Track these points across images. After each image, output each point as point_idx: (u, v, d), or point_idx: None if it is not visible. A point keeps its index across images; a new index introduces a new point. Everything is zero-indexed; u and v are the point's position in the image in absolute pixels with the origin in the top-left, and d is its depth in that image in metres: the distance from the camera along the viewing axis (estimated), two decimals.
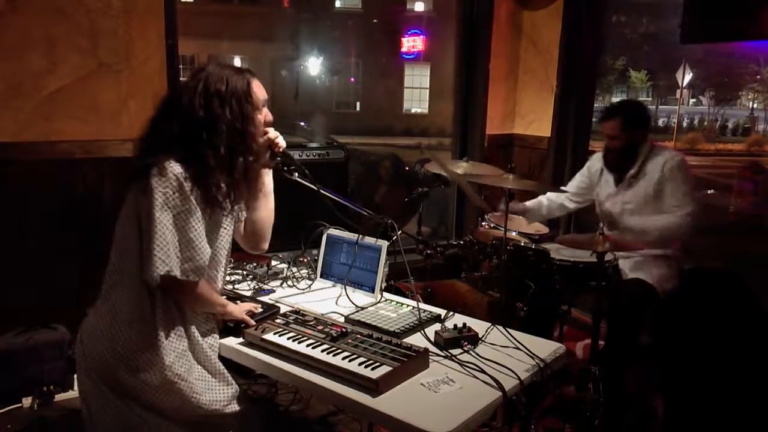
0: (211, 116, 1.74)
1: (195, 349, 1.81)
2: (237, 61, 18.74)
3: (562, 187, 3.51)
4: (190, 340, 1.80)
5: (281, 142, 2.04)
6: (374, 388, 1.57)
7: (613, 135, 3.02)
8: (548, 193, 3.49)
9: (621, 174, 3.12)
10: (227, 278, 2.41)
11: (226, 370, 1.87)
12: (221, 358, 1.89)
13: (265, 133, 1.96)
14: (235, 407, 1.87)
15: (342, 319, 2.04)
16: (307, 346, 1.78)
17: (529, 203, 3.44)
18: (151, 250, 1.65)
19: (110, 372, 1.72)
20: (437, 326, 1.98)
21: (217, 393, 1.83)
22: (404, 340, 1.85)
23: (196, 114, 1.73)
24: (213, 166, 1.73)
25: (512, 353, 1.84)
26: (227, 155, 1.75)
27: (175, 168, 1.68)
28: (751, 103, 24.42)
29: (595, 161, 3.34)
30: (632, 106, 3.19)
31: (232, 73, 1.80)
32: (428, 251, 3.20)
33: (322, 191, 2.29)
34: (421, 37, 18.61)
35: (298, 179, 2.33)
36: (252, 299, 2.16)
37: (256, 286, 2.36)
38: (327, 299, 2.27)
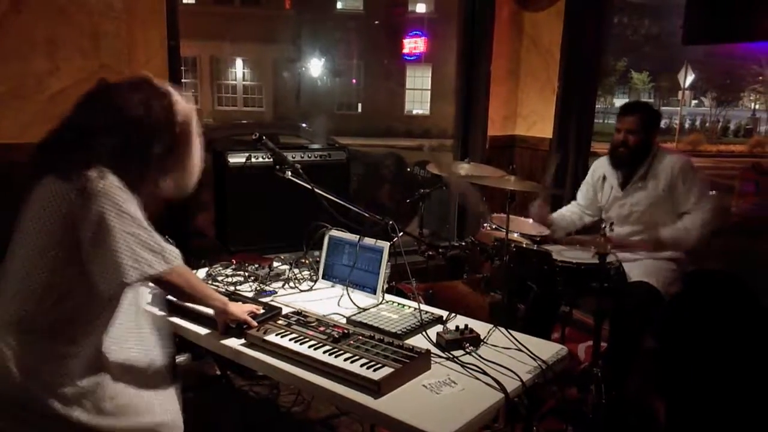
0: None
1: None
2: (239, 63, 18.81)
3: (574, 201, 3.55)
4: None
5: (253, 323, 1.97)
6: (376, 389, 1.57)
7: (632, 129, 3.05)
8: (566, 206, 3.53)
9: (628, 174, 3.14)
10: (229, 280, 2.42)
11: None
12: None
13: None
14: None
15: (344, 321, 2.04)
16: (309, 347, 1.78)
17: (553, 215, 3.45)
18: (117, 257, 1.58)
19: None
20: (439, 328, 1.98)
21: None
22: (406, 341, 1.84)
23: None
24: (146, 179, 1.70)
25: (514, 355, 1.83)
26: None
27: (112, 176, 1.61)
28: (753, 104, 24.39)
29: (597, 168, 3.35)
30: (650, 106, 3.29)
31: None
32: (430, 252, 3.20)
33: (317, 191, 2.30)
34: (423, 38, 18.62)
35: (291, 178, 2.34)
36: (254, 300, 2.16)
37: (258, 288, 2.36)
38: (329, 300, 2.27)
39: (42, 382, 1.58)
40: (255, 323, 1.94)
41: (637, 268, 3.04)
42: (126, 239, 1.59)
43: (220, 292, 2.22)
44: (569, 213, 3.50)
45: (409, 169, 6.32)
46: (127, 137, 1.65)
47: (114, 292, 1.65)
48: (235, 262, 2.58)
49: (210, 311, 1.94)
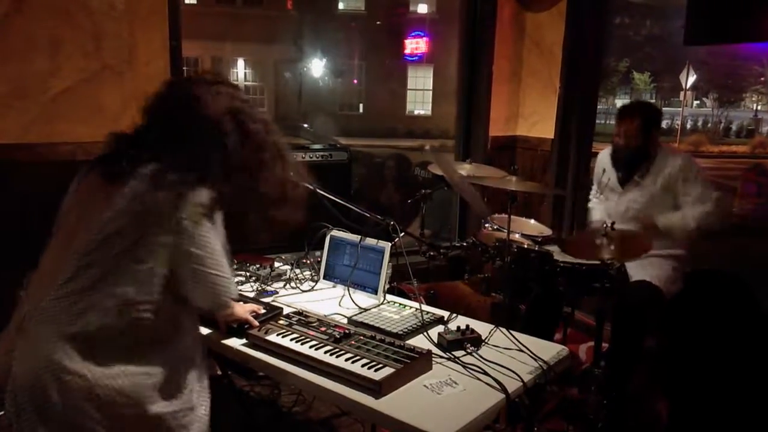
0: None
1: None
2: (240, 63, 18.82)
3: (592, 197, 3.54)
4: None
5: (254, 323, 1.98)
6: (377, 389, 1.57)
7: (630, 134, 3.03)
8: (595, 210, 3.49)
9: (628, 173, 3.13)
10: None
11: None
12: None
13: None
14: None
15: (345, 321, 2.04)
16: (310, 347, 1.78)
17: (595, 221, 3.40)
18: (214, 275, 1.60)
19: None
20: (440, 328, 1.98)
21: None
22: (407, 341, 1.84)
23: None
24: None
25: (515, 355, 1.83)
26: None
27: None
28: (755, 104, 24.34)
29: (601, 159, 3.34)
30: (650, 107, 3.22)
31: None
32: (431, 253, 3.20)
33: (318, 192, 2.30)
34: (425, 38, 18.60)
35: None
36: (255, 300, 2.16)
37: (259, 288, 2.36)
38: (330, 300, 2.28)
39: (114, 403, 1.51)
40: (257, 323, 1.94)
41: (639, 267, 3.04)
42: (225, 260, 1.65)
43: None
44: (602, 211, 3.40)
45: (414, 170, 6.34)
46: (230, 153, 1.62)
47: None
48: (236, 262, 2.58)
49: None
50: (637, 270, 3.03)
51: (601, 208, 3.40)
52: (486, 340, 1.92)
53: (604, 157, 3.31)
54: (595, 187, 3.50)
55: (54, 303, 1.52)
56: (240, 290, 2.32)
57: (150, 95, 1.68)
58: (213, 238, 1.60)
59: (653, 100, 24.77)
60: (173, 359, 1.63)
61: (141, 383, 1.53)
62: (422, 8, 19.35)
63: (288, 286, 2.42)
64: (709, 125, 23.56)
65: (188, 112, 1.62)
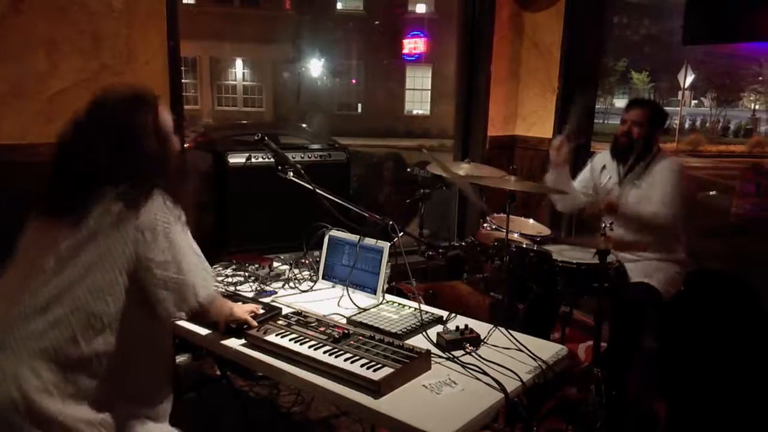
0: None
1: None
2: (239, 63, 18.82)
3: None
4: None
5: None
6: (376, 389, 1.57)
7: (638, 122, 3.05)
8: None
9: (627, 170, 3.13)
10: (230, 280, 2.42)
11: None
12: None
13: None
14: None
15: (344, 321, 2.04)
16: (309, 347, 1.78)
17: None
18: (185, 277, 1.60)
19: None
20: (439, 328, 1.98)
21: None
22: (406, 341, 1.84)
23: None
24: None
25: (514, 355, 1.84)
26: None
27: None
28: (753, 104, 24.37)
29: (598, 160, 3.34)
30: (659, 105, 3.31)
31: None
32: (430, 253, 3.20)
33: (318, 192, 2.30)
34: (423, 38, 18.62)
35: (293, 179, 2.34)
36: (254, 300, 2.16)
37: (258, 288, 2.36)
38: (329, 301, 2.27)
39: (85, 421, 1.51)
40: (255, 323, 1.94)
41: (638, 269, 3.04)
42: (194, 260, 1.64)
43: (220, 293, 2.23)
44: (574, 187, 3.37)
45: (409, 170, 6.33)
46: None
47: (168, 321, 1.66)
48: (235, 262, 2.58)
49: None
50: (637, 273, 3.04)
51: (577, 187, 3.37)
52: (485, 340, 1.92)
53: (602, 157, 3.31)
54: (578, 183, 3.40)
55: (20, 322, 1.50)
56: (239, 290, 2.33)
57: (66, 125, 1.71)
58: (174, 242, 1.59)
59: (651, 99, 24.80)
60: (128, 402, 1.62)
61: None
62: (421, 8, 19.37)
63: (287, 286, 2.42)
64: (708, 125, 23.60)
65: (110, 135, 1.64)
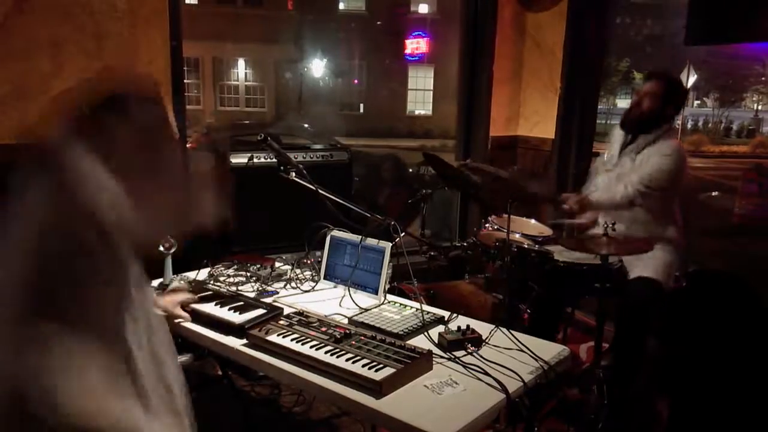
0: None
1: None
2: (241, 63, 18.85)
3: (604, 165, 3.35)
4: None
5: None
6: (378, 389, 1.57)
7: (651, 93, 2.98)
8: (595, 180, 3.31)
9: (630, 141, 3.08)
10: (231, 280, 2.43)
11: None
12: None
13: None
14: None
15: (345, 321, 2.04)
16: (311, 347, 1.78)
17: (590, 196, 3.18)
18: None
19: None
20: (441, 328, 1.98)
21: None
22: (408, 341, 1.85)
23: None
24: None
25: (516, 355, 1.83)
26: None
27: None
28: (755, 104, 24.32)
29: (614, 131, 3.27)
30: (677, 79, 3.17)
31: None
32: (432, 253, 3.20)
33: (320, 192, 2.30)
34: (425, 38, 18.62)
35: (296, 179, 2.34)
36: (255, 300, 2.17)
37: (260, 288, 2.36)
38: (330, 301, 2.27)
39: None
40: (186, 315, 2.00)
41: (637, 263, 3.00)
42: None
43: (221, 293, 2.23)
44: (603, 184, 3.20)
45: (411, 170, 6.34)
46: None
47: None
48: (237, 263, 2.58)
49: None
50: (634, 263, 2.98)
51: (605, 181, 3.22)
52: (486, 340, 1.92)
53: (615, 131, 3.25)
54: (604, 157, 3.32)
55: None
56: (240, 291, 2.32)
57: None
58: None
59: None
60: None
61: None
62: (423, 8, 19.38)
63: (288, 286, 2.42)
64: (710, 125, 23.54)
65: None
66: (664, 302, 2.96)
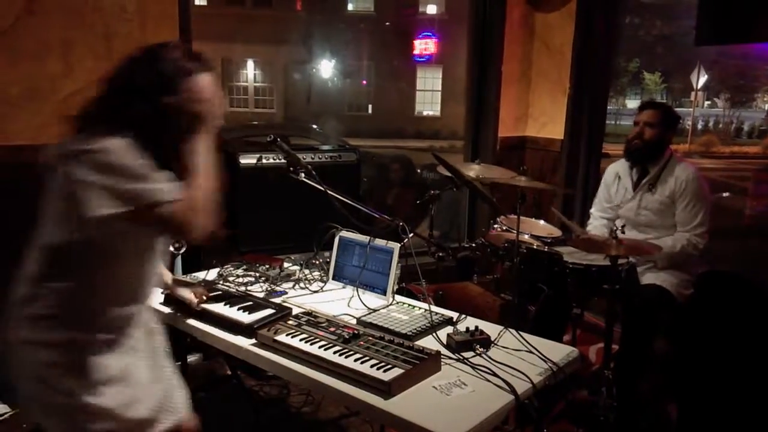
0: None
1: None
2: (250, 64, 18.90)
3: (591, 210, 3.49)
4: None
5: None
6: (386, 390, 1.57)
7: (650, 122, 3.06)
8: (590, 226, 3.45)
9: (641, 175, 3.14)
10: (241, 280, 2.43)
11: None
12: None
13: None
14: None
15: (354, 321, 2.04)
16: (319, 347, 1.78)
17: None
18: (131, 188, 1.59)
19: None
20: (449, 329, 1.97)
21: None
22: (416, 342, 1.84)
23: None
24: None
25: (525, 357, 1.83)
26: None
27: None
28: (766, 105, 24.16)
29: (611, 170, 3.34)
30: (671, 108, 3.28)
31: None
32: (440, 254, 3.20)
33: (329, 192, 2.30)
34: (434, 39, 18.61)
35: (305, 179, 2.34)
36: (264, 300, 2.17)
37: (269, 288, 2.37)
38: (339, 301, 2.28)
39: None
40: (195, 302, 2.07)
41: (651, 273, 3.04)
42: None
43: (230, 293, 2.24)
44: (597, 231, 3.36)
45: (419, 171, 6.33)
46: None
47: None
48: (246, 263, 2.59)
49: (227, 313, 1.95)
50: (649, 276, 3.03)
51: (599, 227, 3.37)
52: (495, 342, 1.91)
53: (615, 166, 3.31)
54: (596, 206, 3.44)
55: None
56: (249, 290, 2.33)
57: None
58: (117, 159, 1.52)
59: (664, 101, 24.63)
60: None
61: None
62: (431, 9, 19.37)
63: (297, 286, 2.42)
64: (721, 126, 23.39)
65: None
66: (673, 305, 2.95)
